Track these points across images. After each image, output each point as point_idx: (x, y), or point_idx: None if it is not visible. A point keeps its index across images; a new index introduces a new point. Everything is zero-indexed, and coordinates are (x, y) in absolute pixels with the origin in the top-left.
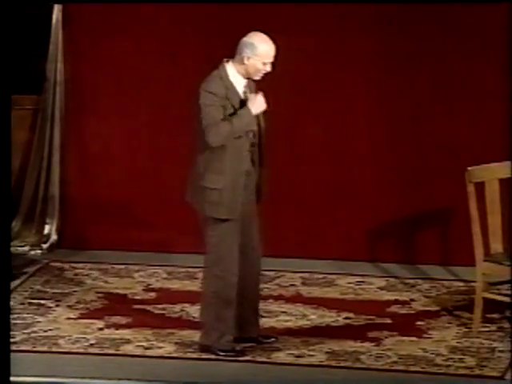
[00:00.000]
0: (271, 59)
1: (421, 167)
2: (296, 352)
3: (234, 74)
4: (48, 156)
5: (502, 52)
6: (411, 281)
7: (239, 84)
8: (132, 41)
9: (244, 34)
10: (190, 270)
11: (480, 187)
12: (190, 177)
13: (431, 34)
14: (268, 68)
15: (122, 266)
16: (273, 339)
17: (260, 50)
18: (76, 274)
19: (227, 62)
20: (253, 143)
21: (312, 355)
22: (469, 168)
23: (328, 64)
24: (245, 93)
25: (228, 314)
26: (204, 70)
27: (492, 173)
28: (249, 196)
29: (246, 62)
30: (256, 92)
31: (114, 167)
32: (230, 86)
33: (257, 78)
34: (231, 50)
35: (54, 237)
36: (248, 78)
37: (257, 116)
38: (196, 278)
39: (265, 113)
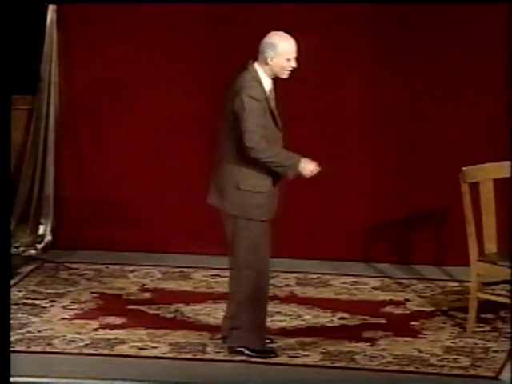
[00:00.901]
0: (294, 54)
1: (415, 167)
2: (291, 352)
3: (263, 76)
4: (42, 156)
5: (498, 53)
6: (406, 281)
7: (268, 85)
8: (127, 41)
9: (240, 35)
10: (184, 270)
11: (474, 187)
12: (214, 180)
13: (428, 33)
14: (293, 64)
15: (117, 267)
16: (268, 341)
17: (281, 48)
18: (70, 275)
19: (253, 63)
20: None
21: (307, 355)
22: (463, 168)
23: (323, 63)
24: (272, 92)
25: (263, 314)
26: (200, 71)
27: (486, 173)
28: None
29: (270, 62)
30: (275, 91)
31: (108, 168)
32: (265, 89)
33: (284, 76)
34: (228, 51)
35: (48, 237)
36: (273, 79)
37: (277, 123)
38: (190, 278)
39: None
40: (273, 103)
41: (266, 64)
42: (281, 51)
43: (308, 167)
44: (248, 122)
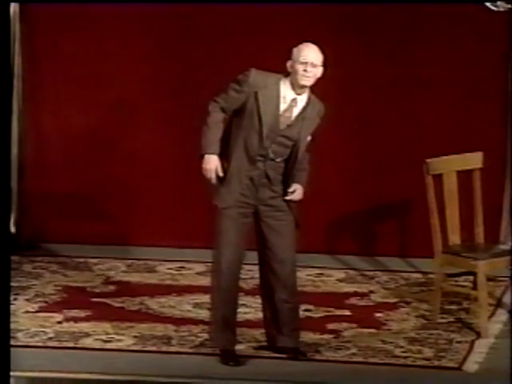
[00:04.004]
0: (308, 59)
1: (379, 159)
2: (255, 344)
3: (286, 87)
4: None
5: (462, 47)
6: (370, 273)
7: (288, 96)
8: (90, 37)
9: (211, 34)
10: (149, 262)
11: (438, 179)
12: None
13: (396, 27)
14: (308, 68)
15: (81, 259)
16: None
17: (295, 52)
18: (34, 268)
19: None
20: (269, 158)
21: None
22: (427, 160)
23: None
24: (291, 107)
25: (222, 312)
26: (167, 67)
27: (450, 165)
28: (271, 209)
29: (289, 69)
30: (320, 113)
31: (72, 161)
32: (272, 94)
33: (304, 82)
34: (191, 50)
35: (12, 230)
36: (299, 94)
37: (262, 134)
38: (155, 271)
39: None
40: (282, 118)
41: (288, 74)
42: (294, 55)
43: (204, 166)
44: (225, 89)
